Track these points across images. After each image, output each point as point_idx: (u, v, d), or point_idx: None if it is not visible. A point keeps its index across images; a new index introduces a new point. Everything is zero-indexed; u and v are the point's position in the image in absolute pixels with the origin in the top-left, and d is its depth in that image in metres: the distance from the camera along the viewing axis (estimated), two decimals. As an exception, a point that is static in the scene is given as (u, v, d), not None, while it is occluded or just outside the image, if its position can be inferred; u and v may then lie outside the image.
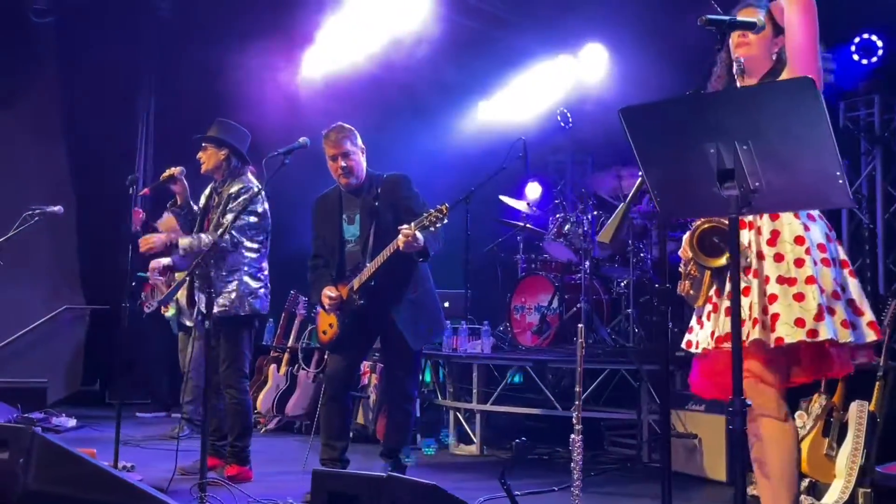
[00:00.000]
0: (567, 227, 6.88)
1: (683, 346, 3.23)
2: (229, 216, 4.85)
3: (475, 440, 6.37)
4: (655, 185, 2.65)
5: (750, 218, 3.06)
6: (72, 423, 7.17)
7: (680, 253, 3.24)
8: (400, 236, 4.35)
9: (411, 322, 4.64)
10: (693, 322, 3.19)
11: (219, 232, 4.78)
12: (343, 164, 4.70)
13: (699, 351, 3.12)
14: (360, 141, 4.82)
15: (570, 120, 8.45)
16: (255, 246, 5.06)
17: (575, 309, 6.78)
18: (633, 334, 6.50)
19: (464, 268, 7.63)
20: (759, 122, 2.40)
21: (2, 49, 8.83)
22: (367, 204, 4.66)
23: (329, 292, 4.68)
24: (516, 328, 7.14)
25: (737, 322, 2.47)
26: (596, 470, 5.58)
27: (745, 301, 3.02)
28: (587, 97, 8.25)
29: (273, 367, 7.70)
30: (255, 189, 4.97)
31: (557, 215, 7.06)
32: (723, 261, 3.04)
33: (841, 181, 2.37)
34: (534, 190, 8.57)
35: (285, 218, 8.69)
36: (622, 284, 6.97)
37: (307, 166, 8.35)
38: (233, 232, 4.86)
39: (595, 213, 6.85)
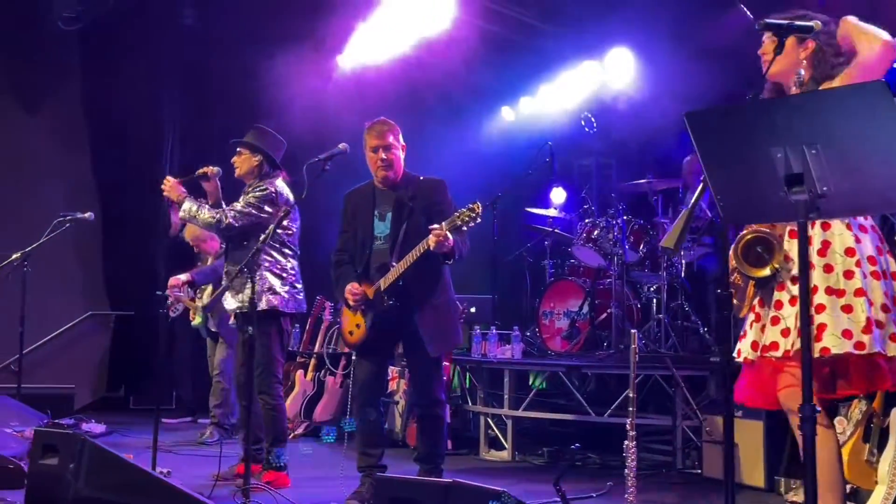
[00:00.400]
0: (596, 232, 6.85)
1: (734, 354, 3.21)
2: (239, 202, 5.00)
3: (507, 446, 6.35)
4: (720, 189, 2.63)
5: (790, 226, 3.04)
6: (101, 428, 7.16)
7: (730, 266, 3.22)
8: (431, 236, 4.22)
9: (432, 328, 4.52)
10: (742, 331, 3.19)
11: (224, 210, 4.92)
12: (384, 156, 4.61)
13: (741, 360, 3.12)
14: (402, 139, 4.75)
15: (595, 124, 8.45)
16: (277, 245, 5.06)
17: (605, 314, 6.75)
18: (664, 340, 6.46)
19: (490, 273, 7.65)
20: (829, 125, 2.39)
21: (29, 56, 8.88)
22: (402, 202, 4.57)
23: (353, 287, 4.58)
24: (545, 333, 7.11)
25: (806, 329, 2.45)
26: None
27: (791, 310, 3.01)
28: (613, 102, 8.22)
29: (300, 372, 7.70)
30: (273, 194, 5.02)
31: (586, 220, 7.03)
32: (766, 271, 3.03)
33: (912, 184, 2.35)
34: (558, 195, 8.55)
35: (311, 225, 8.77)
36: (652, 290, 6.94)
37: (332, 174, 8.46)
38: (232, 212, 4.93)
39: (625, 217, 6.81)
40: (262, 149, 5.16)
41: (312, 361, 7.75)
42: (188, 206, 5.01)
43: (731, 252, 3.17)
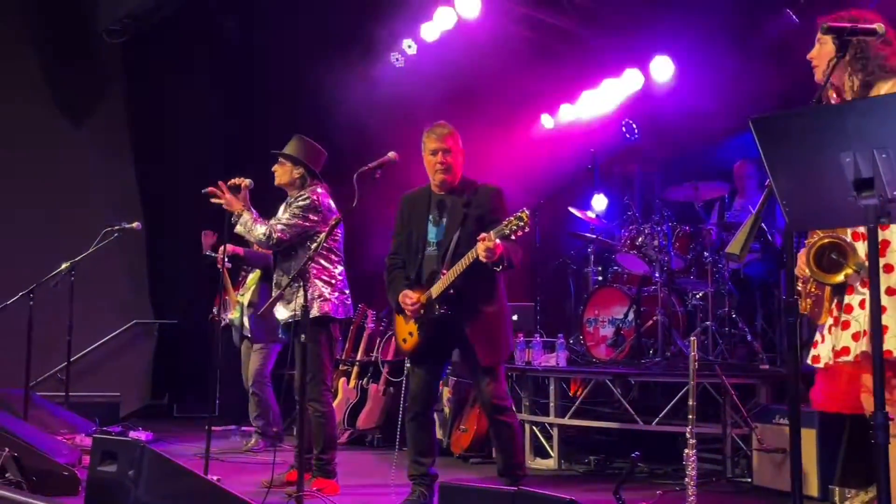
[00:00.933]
0: (640, 239, 6.80)
1: (809, 361, 3.17)
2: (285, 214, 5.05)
3: (552, 454, 6.33)
4: (785, 194, 2.60)
5: (862, 229, 2.99)
6: (148, 436, 7.23)
7: (797, 271, 3.17)
8: (479, 245, 4.20)
9: (483, 336, 4.49)
10: (817, 337, 3.14)
11: (271, 224, 4.98)
12: (443, 159, 4.60)
13: (821, 365, 3.06)
14: (461, 144, 4.72)
15: (637, 131, 8.41)
16: (324, 252, 5.08)
17: (650, 322, 6.70)
18: (711, 348, 6.41)
19: (532, 281, 7.64)
20: (899, 129, 2.36)
21: (73, 69, 9.03)
22: (457, 208, 4.54)
23: (408, 295, 4.55)
24: (589, 341, 7.08)
25: (878, 333, 2.41)
26: (679, 485, 5.50)
27: (860, 314, 2.97)
28: (655, 108, 8.18)
29: (343, 380, 7.72)
30: (317, 202, 5.07)
31: (630, 227, 6.99)
32: (841, 277, 2.97)
33: None
34: (600, 202, 8.52)
35: (351, 234, 8.81)
36: (698, 297, 6.88)
37: (373, 186, 8.50)
38: (279, 226, 4.98)
39: (670, 224, 6.76)
40: (302, 161, 5.22)
41: (355, 369, 7.78)
42: (247, 218, 5.05)
43: (801, 260, 3.11)
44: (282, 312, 5.11)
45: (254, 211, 5.15)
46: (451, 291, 4.45)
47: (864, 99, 2.45)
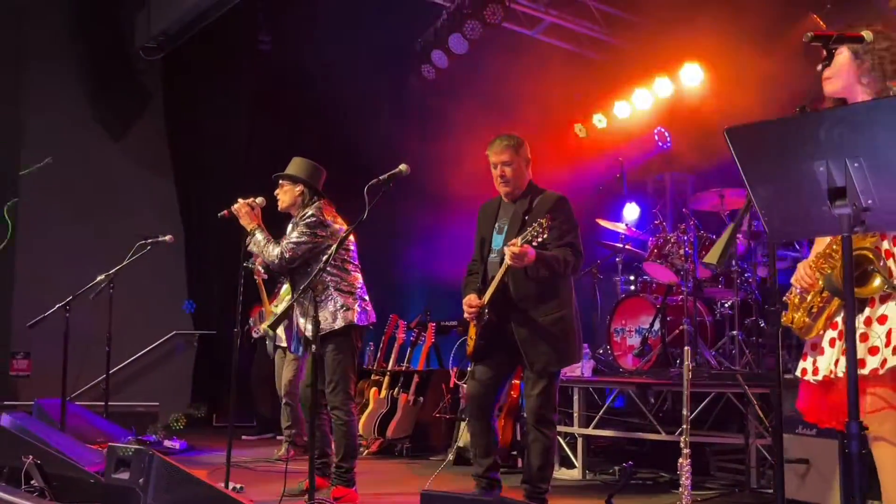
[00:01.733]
0: (667, 247, 6.79)
1: (798, 373, 3.15)
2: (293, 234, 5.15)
3: (577, 465, 6.33)
4: (763, 205, 2.62)
5: (886, 245, 2.94)
6: (182, 445, 7.41)
7: (796, 281, 3.12)
8: (506, 250, 4.32)
9: (532, 344, 4.56)
10: (807, 349, 3.11)
11: (282, 244, 5.09)
12: (501, 172, 4.72)
13: (819, 378, 3.02)
14: (526, 151, 4.81)
15: (669, 139, 8.39)
16: (339, 263, 5.17)
17: (677, 331, 6.68)
18: (738, 357, 6.36)
19: None
20: (871, 137, 2.37)
21: (112, 86, 9.29)
22: (518, 216, 4.63)
23: (470, 301, 4.69)
24: (616, 351, 7.08)
25: (852, 346, 2.42)
26: (702, 496, 5.47)
27: (881, 329, 2.89)
28: (686, 116, 8.16)
29: (374, 390, 7.80)
30: (321, 218, 5.17)
31: (657, 236, 6.98)
32: (873, 286, 2.88)
33: (960, 197, 2.31)
34: (632, 211, 8.51)
35: (381, 246, 8.94)
36: (726, 306, 6.83)
37: (404, 197, 8.61)
38: (289, 245, 5.08)
39: (698, 233, 6.74)
40: (302, 179, 5.32)
41: (386, 379, 7.85)
42: (259, 237, 5.18)
43: (805, 271, 3.07)
44: (308, 329, 5.18)
45: (267, 232, 5.27)
46: (502, 297, 4.55)
47: (835, 108, 2.46)
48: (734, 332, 6.43)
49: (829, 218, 2.47)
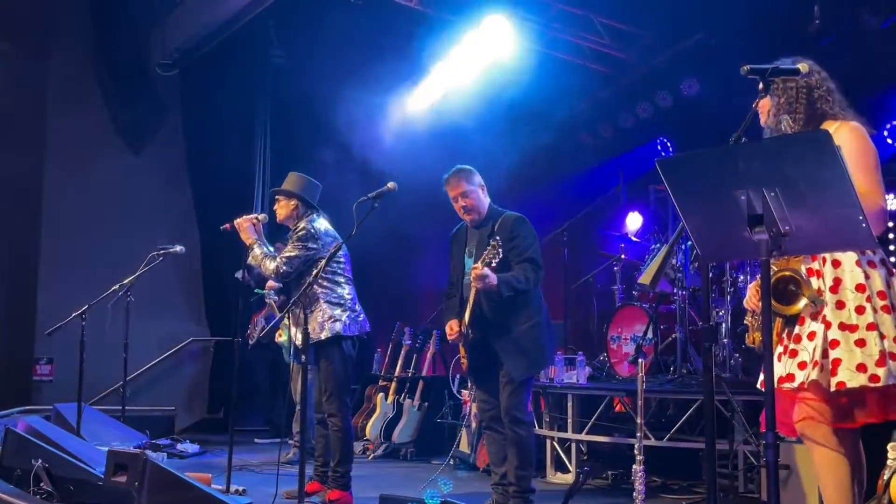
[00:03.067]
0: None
1: (759, 385, 3.34)
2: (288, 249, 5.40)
3: (571, 469, 6.51)
4: (694, 230, 2.82)
5: (816, 266, 3.16)
6: (194, 449, 7.65)
7: (746, 303, 3.33)
8: (471, 274, 4.65)
9: (513, 352, 4.88)
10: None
11: (279, 260, 5.33)
12: (462, 203, 5.05)
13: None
14: (478, 178, 5.13)
15: (671, 148, 8.53)
16: (329, 276, 5.40)
17: (670, 339, 6.83)
18: (728, 365, 6.50)
19: (563, 298, 7.82)
20: (784, 170, 2.55)
21: (129, 100, 9.59)
22: (483, 239, 4.93)
23: (451, 326, 5.03)
24: (613, 358, 7.25)
25: (769, 361, 2.60)
26: (689, 501, 5.64)
27: (809, 344, 3.12)
28: (689, 125, 8.28)
29: (381, 395, 8.02)
30: (312, 231, 5.39)
31: (653, 246, 7.15)
32: (799, 307, 3.11)
33: (864, 225, 2.48)
34: (634, 220, 8.64)
35: (393, 258, 9.17)
36: (720, 314, 6.96)
37: (408, 209, 8.80)
38: (283, 259, 5.33)
39: (689, 243, 6.86)
40: (295, 194, 5.57)
41: (393, 385, 8.06)
42: (257, 252, 5.44)
43: (751, 291, 3.28)
44: (300, 337, 5.41)
45: (267, 246, 5.52)
46: (479, 315, 4.87)
47: (751, 141, 2.64)
48: (724, 340, 6.55)
49: (752, 243, 2.65)
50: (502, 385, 4.94)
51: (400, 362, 8.23)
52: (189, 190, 10.04)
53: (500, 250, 4.59)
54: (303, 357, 4.52)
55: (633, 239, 7.91)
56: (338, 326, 5.33)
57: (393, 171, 8.09)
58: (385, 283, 9.33)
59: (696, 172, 2.75)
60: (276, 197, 5.68)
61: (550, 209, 8.20)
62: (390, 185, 4.87)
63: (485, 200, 5.11)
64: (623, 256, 7.75)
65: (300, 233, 5.41)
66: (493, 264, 4.59)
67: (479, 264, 4.61)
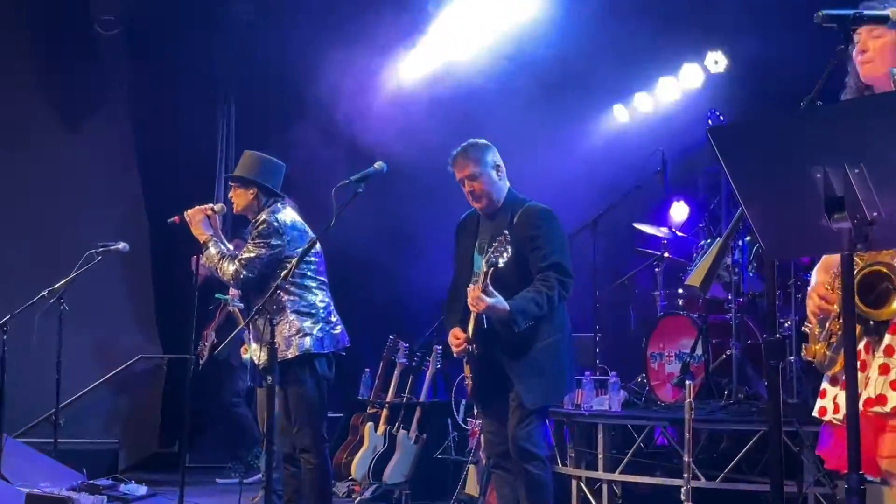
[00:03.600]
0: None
1: (816, 413, 3.20)
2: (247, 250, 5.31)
3: (601, 515, 6.41)
4: (756, 218, 2.69)
5: None
6: (142, 490, 7.52)
7: (814, 308, 3.16)
8: (468, 295, 4.60)
9: (526, 376, 4.77)
10: (825, 385, 3.15)
11: (237, 262, 5.24)
12: (469, 187, 4.91)
13: (841, 417, 3.07)
14: (493, 157, 4.95)
15: (724, 122, 8.39)
16: (297, 280, 5.32)
17: (724, 356, 6.73)
18: (795, 388, 6.37)
19: (592, 307, 7.74)
20: (872, 140, 2.40)
21: (67, 68, 9.45)
22: (496, 234, 4.73)
23: (455, 333, 4.89)
24: (654, 380, 7.16)
25: (852, 379, 2.47)
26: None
27: None
28: (745, 96, 8.17)
29: (370, 425, 7.92)
30: (275, 224, 5.32)
31: (701, 242, 7.03)
32: (893, 308, 2.93)
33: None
34: (679, 211, 8.53)
35: (390, 254, 9.08)
36: (785, 325, 6.83)
37: (405, 197, 8.71)
38: (242, 261, 5.27)
39: (748, 238, 6.76)
40: (252, 180, 5.49)
41: (384, 413, 7.95)
42: (214, 251, 5.35)
43: (818, 294, 3.12)
44: (263, 355, 5.28)
45: (224, 244, 5.41)
46: (486, 327, 4.75)
47: (828, 105, 2.50)
48: (791, 358, 6.42)
49: (829, 233, 2.51)
50: (511, 411, 4.83)
51: (393, 385, 8.11)
52: (137, 175, 9.90)
53: (508, 247, 4.45)
54: (268, 379, 4.42)
55: (678, 233, 7.77)
56: (307, 342, 5.26)
57: (387, 149, 8.04)
58: (375, 288, 9.24)
59: (759, 144, 2.60)
60: (231, 184, 5.61)
61: (577, 197, 8.07)
62: (378, 164, 4.81)
63: (500, 184, 4.96)
64: (666, 255, 7.63)
65: (260, 227, 5.33)
66: (501, 263, 4.45)
67: (474, 287, 4.52)
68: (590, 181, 8.48)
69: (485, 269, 4.54)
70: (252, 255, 5.28)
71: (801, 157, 2.51)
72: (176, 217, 5.57)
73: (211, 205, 5.54)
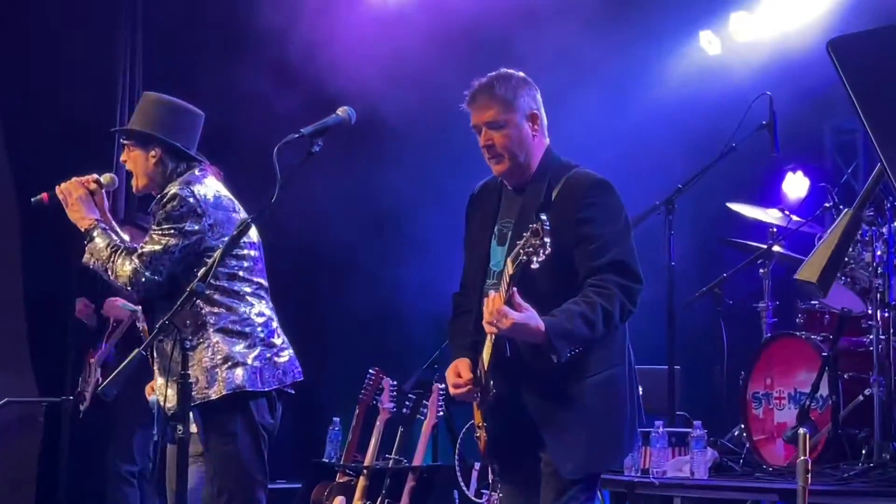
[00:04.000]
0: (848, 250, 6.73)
1: None
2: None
3: None
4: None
5: None
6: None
7: None
8: (485, 309, 4.35)
9: (564, 429, 4.60)
10: None
11: (136, 259, 5.13)
12: (486, 140, 4.70)
13: None
14: (530, 100, 4.74)
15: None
16: (223, 283, 5.23)
17: (861, 397, 6.63)
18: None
19: (667, 327, 7.71)
20: None
21: None
22: (527, 213, 4.59)
23: (457, 368, 4.72)
24: (757, 433, 7.09)
25: None
26: None
27: None
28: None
29: (340, 500, 7.93)
30: (190, 200, 5.20)
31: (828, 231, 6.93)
32: None
33: None
34: (796, 185, 8.46)
35: (359, 248, 9.03)
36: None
37: (391, 163, 8.68)
38: (144, 257, 5.15)
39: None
40: (153, 135, 5.37)
41: (360, 481, 7.94)
42: (101, 243, 5.26)
43: None
44: (171, 395, 5.14)
45: (116, 232, 5.36)
46: (508, 355, 4.56)
47: None
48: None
49: None
50: (545, 481, 4.67)
51: (374, 441, 8.08)
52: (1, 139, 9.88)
53: (545, 240, 4.19)
54: (179, 430, 4.34)
55: (794, 218, 7.69)
56: (239, 375, 5.14)
57: (369, 96, 8.02)
58: (349, 297, 9.22)
59: None
60: (123, 143, 5.48)
61: (645, 163, 8.17)
62: (341, 110, 4.70)
63: (534, 142, 4.76)
64: (776, 248, 7.56)
65: (168, 205, 5.19)
66: (535, 263, 4.22)
67: (496, 296, 4.31)
68: (665, 140, 8.43)
69: (510, 270, 4.31)
70: (157, 247, 5.15)
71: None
72: (43, 194, 5.42)
73: (95, 175, 5.41)
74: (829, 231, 2.88)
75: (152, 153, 5.38)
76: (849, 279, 6.83)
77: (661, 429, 6.77)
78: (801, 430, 3.70)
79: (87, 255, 5.30)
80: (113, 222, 5.49)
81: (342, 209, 8.54)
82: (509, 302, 4.28)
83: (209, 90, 8.11)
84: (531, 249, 4.14)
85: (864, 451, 6.64)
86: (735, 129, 7.62)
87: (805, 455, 3.67)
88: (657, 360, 7.66)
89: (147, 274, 5.14)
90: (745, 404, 7.20)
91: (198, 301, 4.92)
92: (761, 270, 7.70)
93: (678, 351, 7.69)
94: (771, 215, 7.79)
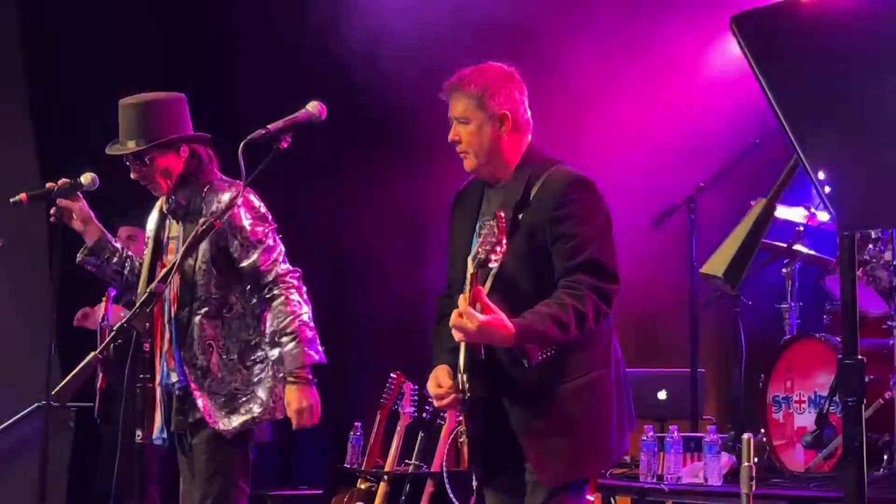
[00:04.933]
0: (867, 248, 6.68)
1: None
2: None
3: None
4: (822, 161, 2.54)
5: None
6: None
7: None
8: (451, 317, 4.28)
9: (542, 435, 4.54)
10: None
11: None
12: (454, 136, 4.67)
13: None
14: (502, 98, 4.65)
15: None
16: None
17: (880, 401, 6.48)
18: None
19: (689, 329, 7.67)
20: None
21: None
22: (505, 210, 4.51)
23: (437, 376, 4.62)
24: (777, 437, 7.01)
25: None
26: None
27: None
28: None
29: (360, 506, 7.98)
30: (254, 200, 5.22)
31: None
32: None
33: None
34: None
35: (381, 251, 9.01)
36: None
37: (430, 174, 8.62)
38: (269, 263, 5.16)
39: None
40: (187, 136, 5.28)
41: (381, 488, 7.95)
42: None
43: None
44: (231, 420, 5.20)
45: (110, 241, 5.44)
46: (483, 359, 4.50)
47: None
48: None
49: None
50: (530, 489, 4.58)
51: (395, 446, 8.05)
52: (30, 140, 9.90)
53: (501, 238, 4.14)
54: (137, 435, 4.35)
55: (819, 216, 7.53)
56: (264, 411, 5.13)
57: (379, 84, 7.98)
58: (372, 301, 9.27)
59: (822, 44, 2.47)
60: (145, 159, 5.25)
61: (664, 160, 8.08)
62: (311, 106, 4.66)
63: (507, 143, 4.69)
64: (799, 248, 7.45)
65: (252, 210, 5.18)
66: (493, 262, 4.23)
67: (462, 298, 4.27)
68: (683, 134, 8.31)
69: (470, 270, 4.27)
70: (265, 250, 5.16)
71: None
72: (22, 195, 5.38)
73: (68, 178, 5.35)
74: (740, 223, 2.74)
75: (183, 152, 5.35)
76: (870, 278, 6.78)
77: (675, 434, 6.68)
78: (746, 436, 3.62)
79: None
80: (105, 232, 5.47)
81: (370, 213, 8.48)
82: (475, 304, 4.24)
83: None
84: (488, 248, 4.16)
85: (885, 457, 6.58)
86: (759, 123, 7.53)
87: (749, 461, 3.59)
88: (678, 362, 7.69)
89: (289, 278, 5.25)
90: (765, 407, 7.14)
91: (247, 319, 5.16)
92: (784, 270, 7.62)
93: (698, 351, 7.71)
94: (796, 214, 7.67)
